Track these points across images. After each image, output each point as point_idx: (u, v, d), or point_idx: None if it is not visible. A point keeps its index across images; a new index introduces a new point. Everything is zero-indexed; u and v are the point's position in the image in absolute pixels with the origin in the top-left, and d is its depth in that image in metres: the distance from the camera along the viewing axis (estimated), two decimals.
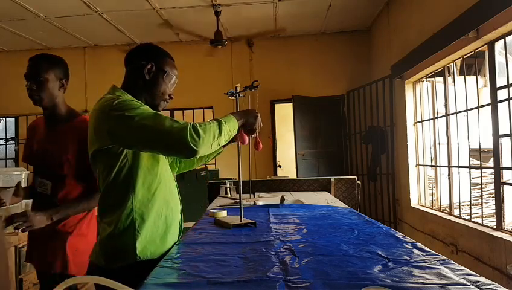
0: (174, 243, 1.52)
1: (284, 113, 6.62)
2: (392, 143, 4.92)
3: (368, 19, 5.52)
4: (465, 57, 3.30)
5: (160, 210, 1.43)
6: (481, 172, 3.22)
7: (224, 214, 1.84)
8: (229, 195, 2.75)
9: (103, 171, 1.39)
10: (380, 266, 0.99)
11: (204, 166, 5.39)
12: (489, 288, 0.82)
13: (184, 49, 6.08)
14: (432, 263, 1.00)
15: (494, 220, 2.90)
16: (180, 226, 1.58)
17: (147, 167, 1.40)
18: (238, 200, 2.11)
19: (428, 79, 4.19)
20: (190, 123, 1.26)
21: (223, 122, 1.34)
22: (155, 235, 1.40)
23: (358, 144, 5.69)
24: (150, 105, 1.47)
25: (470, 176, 3.39)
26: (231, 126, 1.38)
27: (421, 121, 4.33)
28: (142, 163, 1.38)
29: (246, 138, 1.51)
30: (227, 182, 2.93)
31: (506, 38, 2.71)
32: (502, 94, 2.73)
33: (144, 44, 1.53)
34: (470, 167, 3.39)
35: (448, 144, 3.68)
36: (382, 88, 5.06)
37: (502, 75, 2.77)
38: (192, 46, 6.03)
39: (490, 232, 2.78)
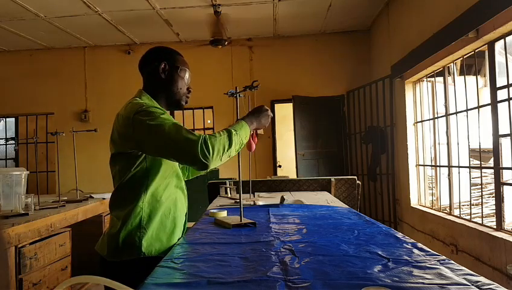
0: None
1: (284, 113, 6.62)
2: (392, 143, 4.92)
3: (368, 19, 5.51)
4: (465, 57, 3.30)
5: (168, 210, 1.46)
6: (481, 172, 3.22)
7: (224, 214, 1.84)
8: (229, 195, 2.74)
9: (120, 171, 1.43)
10: (380, 266, 0.99)
11: None
12: (489, 288, 0.81)
13: (184, 49, 6.03)
14: (432, 263, 1.00)
15: (494, 220, 2.90)
16: (184, 226, 1.61)
17: (162, 171, 1.44)
18: (238, 200, 2.11)
19: (428, 79, 4.19)
20: (202, 137, 1.28)
21: (234, 133, 1.35)
22: (161, 234, 1.44)
23: (358, 144, 5.68)
24: (173, 102, 1.55)
25: (470, 176, 3.39)
26: (243, 134, 1.39)
27: (421, 121, 4.33)
28: (158, 167, 1.42)
29: (253, 145, 1.54)
30: (227, 182, 2.92)
31: (506, 38, 2.70)
32: (502, 94, 2.73)
33: (153, 47, 1.59)
34: (470, 167, 3.39)
35: (448, 144, 3.68)
36: (382, 88, 5.06)
37: (502, 75, 2.77)
38: (192, 46, 6.03)
39: (490, 232, 2.78)
